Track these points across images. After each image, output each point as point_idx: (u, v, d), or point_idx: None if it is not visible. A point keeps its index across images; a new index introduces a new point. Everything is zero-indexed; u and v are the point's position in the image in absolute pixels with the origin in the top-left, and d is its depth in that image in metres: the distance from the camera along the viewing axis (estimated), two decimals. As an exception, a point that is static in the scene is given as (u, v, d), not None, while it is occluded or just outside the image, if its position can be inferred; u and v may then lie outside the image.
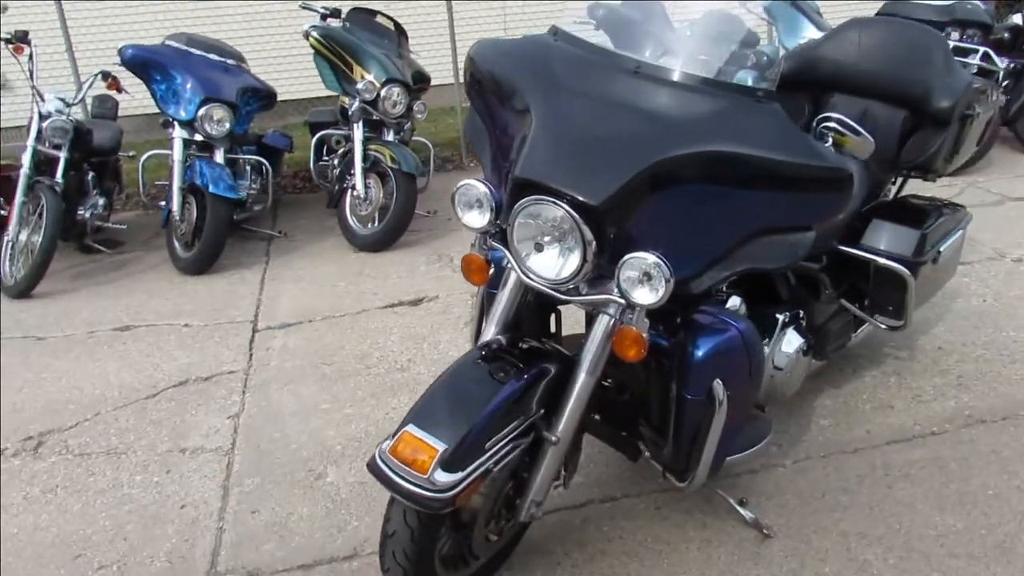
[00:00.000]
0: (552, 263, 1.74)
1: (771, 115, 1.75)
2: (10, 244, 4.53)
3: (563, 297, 1.81)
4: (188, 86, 4.62)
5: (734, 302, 2.14)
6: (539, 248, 1.75)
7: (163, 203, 4.77)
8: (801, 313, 2.45)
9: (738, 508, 2.24)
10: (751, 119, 1.74)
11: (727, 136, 1.70)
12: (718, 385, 1.84)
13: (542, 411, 1.84)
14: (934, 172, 2.72)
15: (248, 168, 5.19)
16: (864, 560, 2.08)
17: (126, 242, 5.34)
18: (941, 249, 2.65)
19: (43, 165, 4.68)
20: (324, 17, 5.03)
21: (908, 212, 2.71)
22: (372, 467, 1.69)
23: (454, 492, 1.61)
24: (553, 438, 1.84)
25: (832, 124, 1.91)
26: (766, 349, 2.31)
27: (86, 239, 5.15)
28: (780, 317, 2.37)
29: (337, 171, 5.15)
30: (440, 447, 1.63)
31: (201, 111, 4.59)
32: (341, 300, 4.05)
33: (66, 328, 3.97)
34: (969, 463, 2.44)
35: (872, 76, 2.72)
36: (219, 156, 4.74)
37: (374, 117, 4.90)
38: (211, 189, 4.45)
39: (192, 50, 4.78)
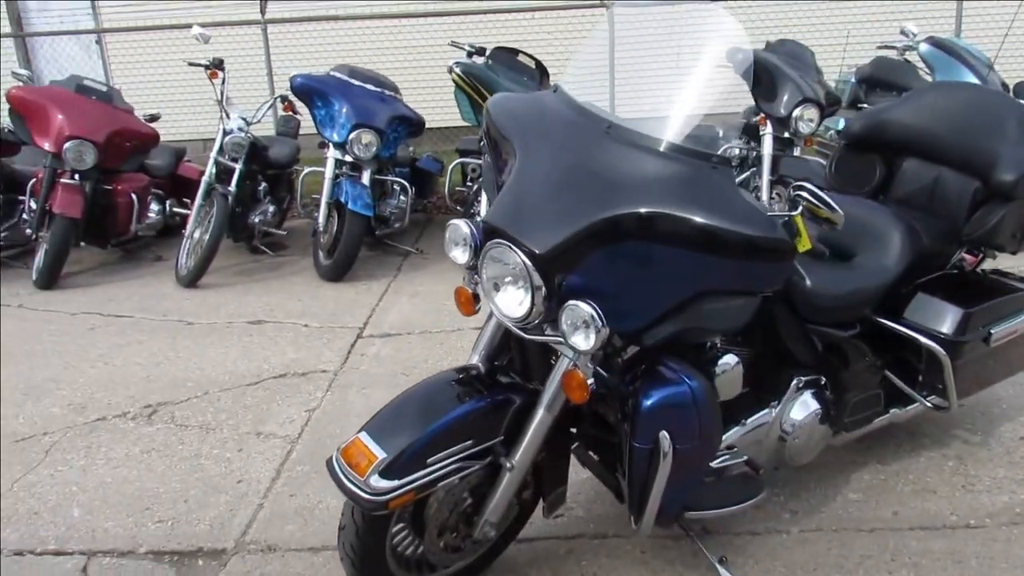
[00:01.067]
0: (511, 302, 1.89)
1: (719, 181, 1.80)
2: (188, 240, 5.28)
3: (525, 335, 1.95)
4: (343, 112, 5.16)
5: (728, 360, 2.18)
6: (498, 288, 1.91)
7: (316, 215, 5.35)
8: (823, 380, 2.41)
9: (717, 565, 2.24)
10: (699, 184, 1.80)
11: (672, 199, 1.77)
12: (664, 437, 1.90)
13: (501, 438, 1.99)
14: (999, 248, 2.55)
15: (395, 188, 5.68)
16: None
17: (289, 247, 6.03)
18: (994, 331, 2.48)
19: (223, 174, 5.42)
20: (470, 55, 5.41)
21: (963, 287, 2.56)
22: (328, 464, 1.93)
23: (386, 497, 1.81)
24: (508, 464, 1.99)
25: (804, 195, 1.91)
26: (772, 412, 2.32)
27: (254, 241, 5.88)
28: (794, 381, 2.35)
29: (472, 197, 5.51)
30: (380, 455, 1.84)
31: (352, 135, 5.11)
32: (442, 318, 4.35)
33: (212, 317, 4.58)
34: (992, 563, 2.26)
35: (941, 141, 2.61)
36: (365, 177, 5.24)
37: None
38: (349, 205, 4.95)
39: (352, 80, 5.32)
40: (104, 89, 5.71)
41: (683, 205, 1.76)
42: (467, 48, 5.40)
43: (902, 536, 2.40)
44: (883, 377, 2.52)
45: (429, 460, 1.87)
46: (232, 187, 5.32)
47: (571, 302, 1.78)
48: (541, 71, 5.55)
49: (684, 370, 1.95)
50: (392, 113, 5.32)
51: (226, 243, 5.55)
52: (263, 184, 5.79)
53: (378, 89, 5.42)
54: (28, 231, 5.42)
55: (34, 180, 5.47)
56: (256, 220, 5.73)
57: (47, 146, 5.27)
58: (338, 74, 5.36)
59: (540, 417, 1.97)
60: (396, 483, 1.82)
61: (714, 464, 2.25)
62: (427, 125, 5.60)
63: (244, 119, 5.48)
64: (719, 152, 2.45)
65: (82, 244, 5.52)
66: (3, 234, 5.61)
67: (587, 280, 1.81)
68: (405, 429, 1.89)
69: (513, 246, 1.82)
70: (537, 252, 1.78)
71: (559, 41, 7.95)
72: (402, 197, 5.77)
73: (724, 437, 2.27)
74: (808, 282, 2.31)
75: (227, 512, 2.67)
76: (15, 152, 5.74)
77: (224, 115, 5.46)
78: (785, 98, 5.02)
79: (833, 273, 2.42)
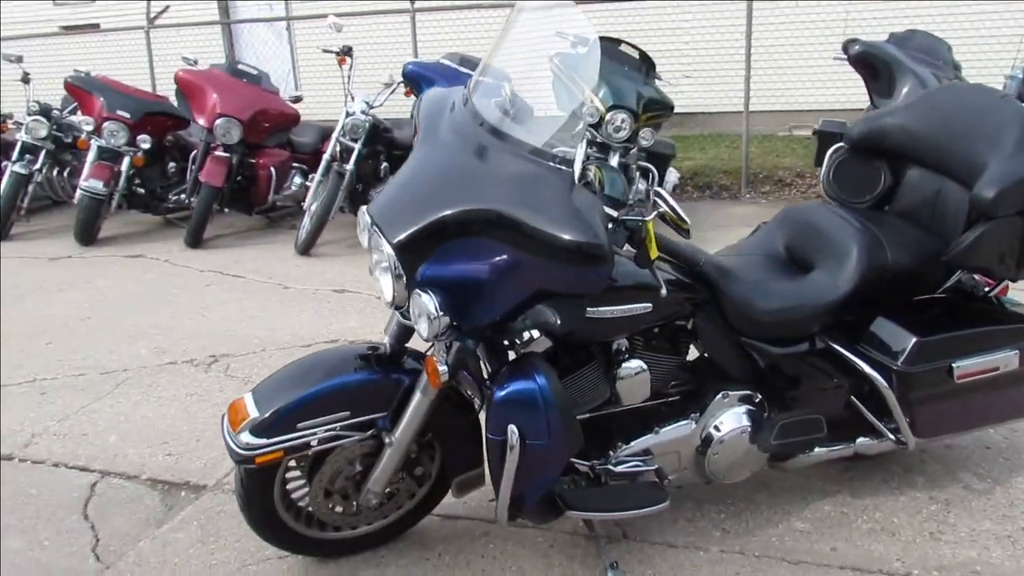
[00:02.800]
0: (384, 287, 2.01)
1: (554, 183, 1.80)
2: (308, 212, 5.80)
3: (404, 320, 2.06)
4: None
5: (633, 365, 2.17)
6: (373, 272, 2.03)
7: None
8: (758, 397, 2.30)
9: (608, 569, 2.23)
10: (536, 185, 1.81)
11: (506, 198, 1.80)
12: (512, 430, 1.93)
13: (385, 414, 2.12)
14: (984, 272, 2.27)
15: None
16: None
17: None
18: (958, 364, 2.22)
19: (346, 153, 5.87)
20: (573, 45, 5.42)
21: (938, 314, 2.30)
22: (223, 417, 2.15)
23: (252, 453, 2.01)
24: (387, 439, 2.12)
25: (657, 199, 1.84)
26: (693, 424, 2.26)
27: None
28: (720, 395, 2.27)
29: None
30: (253, 414, 2.04)
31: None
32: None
33: (306, 283, 5.03)
34: (909, 617, 2.07)
35: (942, 151, 2.37)
36: None
37: (598, 140, 5.19)
38: None
39: (460, 68, 5.54)
40: (255, 73, 6.38)
41: (514, 204, 1.79)
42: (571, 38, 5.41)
43: (824, 573, 2.23)
44: (833, 402, 2.34)
45: (300, 424, 2.04)
46: (350, 165, 5.75)
47: (416, 291, 1.87)
48: (646, 62, 5.44)
49: (538, 368, 1.96)
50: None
51: (351, 218, 6.03)
52: (385, 163, 6.18)
53: (485, 77, 5.59)
54: (183, 196, 6.22)
55: (195, 152, 6.26)
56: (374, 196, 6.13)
57: (202, 122, 6.01)
58: (447, 62, 5.60)
59: (416, 399, 2.08)
60: (264, 441, 2.01)
61: (620, 468, 2.24)
62: (534, 113, 5.70)
63: (367, 102, 5.89)
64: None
65: (226, 211, 6.24)
66: (174, 198, 6.46)
67: (436, 272, 1.88)
68: (283, 392, 2.07)
69: (381, 234, 1.94)
70: (392, 241, 1.88)
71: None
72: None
73: (637, 443, 2.26)
74: (741, 293, 2.22)
75: (220, 456, 3.00)
76: (186, 127, 6.56)
77: (349, 97, 5.90)
78: (903, 94, 4.61)
79: (776, 286, 2.29)
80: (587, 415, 2.24)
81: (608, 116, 5.09)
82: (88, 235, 6.16)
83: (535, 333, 2.00)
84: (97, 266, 5.69)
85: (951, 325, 2.27)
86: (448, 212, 1.85)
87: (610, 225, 1.86)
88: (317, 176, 5.76)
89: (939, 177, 2.40)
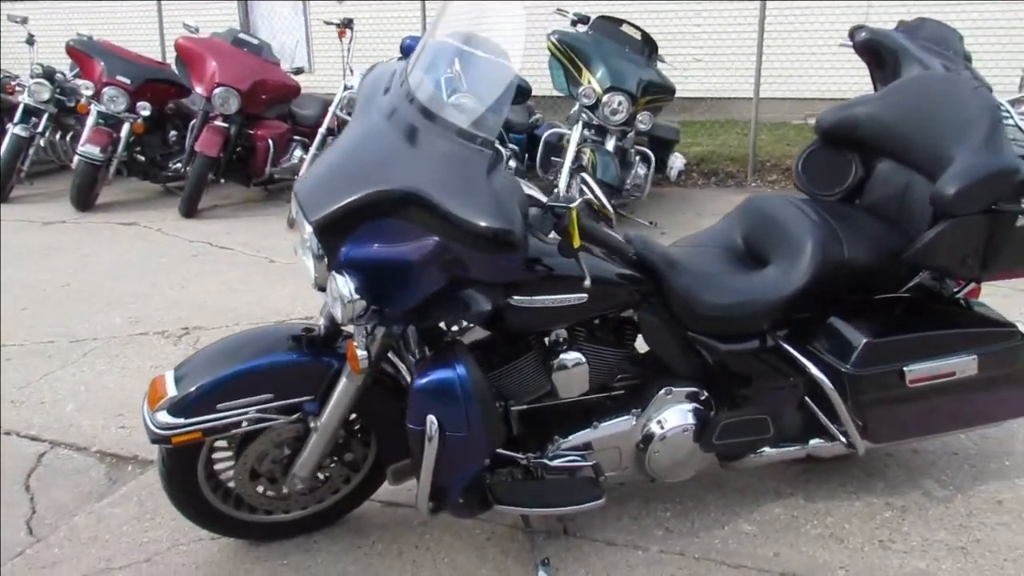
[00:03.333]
0: (308, 267, 1.94)
1: (474, 165, 1.72)
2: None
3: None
4: (443, 75, 5.29)
5: (570, 357, 2.10)
6: (297, 251, 1.96)
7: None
8: (704, 395, 2.22)
9: (538, 565, 2.16)
10: (456, 167, 1.73)
11: (430, 180, 1.72)
12: (431, 421, 1.87)
13: (311, 398, 2.06)
14: (944, 272, 2.16)
15: (506, 154, 5.76)
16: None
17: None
18: (909, 368, 2.11)
19: (342, 127, 5.79)
20: (574, 23, 5.30)
21: (895, 315, 2.19)
22: (144, 394, 2.10)
23: (169, 433, 1.96)
24: (312, 424, 2.07)
25: (584, 187, 1.75)
26: (634, 420, 2.19)
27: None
28: (662, 391, 2.19)
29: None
30: (171, 393, 1.99)
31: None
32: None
33: (293, 258, 4.97)
34: (843, 630, 1.98)
35: (910, 143, 2.26)
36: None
37: (595, 122, 5.08)
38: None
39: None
40: (256, 42, 6.31)
41: (431, 186, 1.71)
42: (571, 16, 5.29)
43: (764, 578, 2.16)
44: (782, 402, 2.25)
45: (220, 405, 1.98)
46: (344, 140, 5.67)
47: (333, 273, 1.80)
48: (648, 44, 5.30)
49: (458, 359, 1.89)
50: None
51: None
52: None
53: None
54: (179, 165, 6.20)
55: (194, 121, 6.21)
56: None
57: (200, 90, 5.96)
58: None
59: (342, 384, 2.01)
60: (181, 421, 1.96)
61: (556, 463, 2.17)
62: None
63: (364, 76, 5.80)
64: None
65: (223, 181, 6.21)
66: (173, 166, 6.43)
67: (356, 254, 1.81)
68: (205, 371, 2.02)
69: (303, 213, 1.87)
70: (311, 220, 1.81)
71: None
72: (511, 163, 5.85)
73: (575, 437, 2.19)
74: (686, 286, 2.13)
75: (175, 429, 2.97)
76: (188, 95, 6.52)
77: (349, 71, 5.83)
78: (907, 84, 4.43)
79: (725, 279, 2.20)
80: (524, 407, 2.17)
81: (605, 98, 4.99)
82: (85, 200, 6.15)
83: (466, 321, 1.93)
84: (90, 232, 5.68)
85: (906, 327, 2.16)
86: (366, 192, 1.77)
87: (532, 211, 1.77)
88: (312, 150, 5.72)
89: (908, 171, 2.29)
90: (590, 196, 1.79)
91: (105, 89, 6.07)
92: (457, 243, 1.73)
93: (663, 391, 2.19)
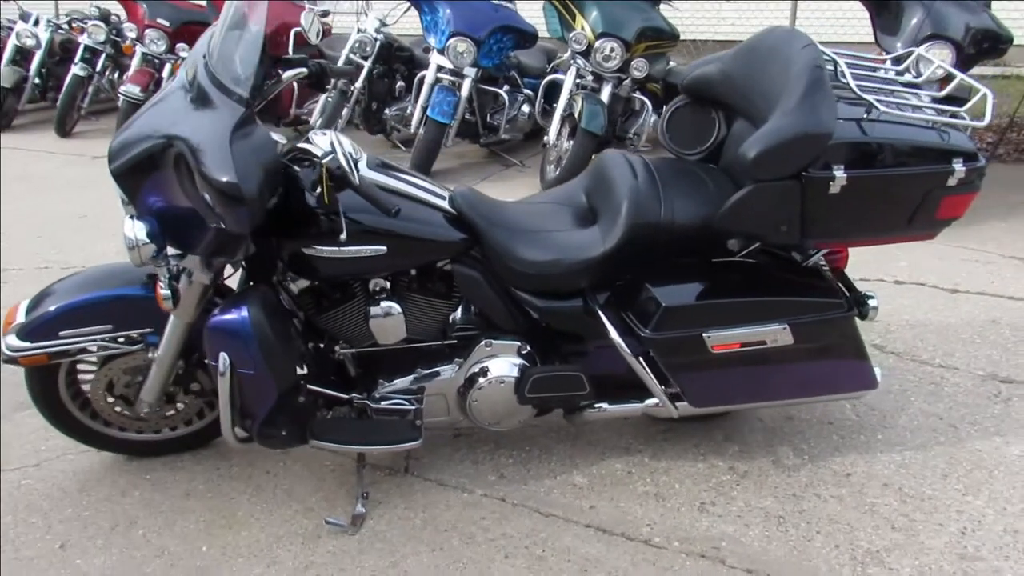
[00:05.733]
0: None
1: (225, 119, 1.81)
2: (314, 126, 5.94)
3: None
4: (445, 19, 5.31)
5: (384, 306, 2.20)
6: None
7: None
8: (526, 349, 2.28)
9: (359, 498, 2.30)
10: (211, 120, 1.83)
11: (189, 132, 1.83)
12: (223, 357, 2.02)
13: (151, 330, 2.25)
14: (756, 238, 2.11)
15: (516, 99, 5.79)
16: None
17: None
18: (709, 335, 2.09)
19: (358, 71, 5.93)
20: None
21: (710, 281, 2.16)
22: None
23: (16, 355, 2.19)
24: (150, 354, 2.26)
25: (335, 143, 1.81)
26: (454, 369, 2.27)
27: (391, 136, 6.38)
28: (482, 343, 2.26)
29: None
30: (20, 319, 2.21)
31: (449, 42, 5.28)
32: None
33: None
34: (616, 583, 2.03)
35: (745, 100, 2.20)
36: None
37: (589, 69, 5.01)
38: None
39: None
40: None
41: (188, 137, 1.81)
42: (571, -43, 5.16)
43: (565, 528, 2.22)
44: (601, 361, 2.26)
45: (61, 332, 2.19)
46: (358, 83, 5.82)
47: (126, 218, 1.95)
48: (653, -14, 5.13)
49: (251, 302, 2.01)
50: (497, 23, 5.34)
51: (363, 135, 6.16)
52: (401, 83, 6.21)
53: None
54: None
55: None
56: (391, 114, 6.17)
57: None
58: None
59: (170, 321, 2.18)
60: (27, 345, 2.19)
61: (382, 404, 2.29)
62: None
63: (381, 20, 5.90)
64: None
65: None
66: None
67: (145, 202, 1.96)
68: (54, 301, 2.23)
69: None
70: (111, 170, 1.97)
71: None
72: (524, 108, 5.86)
73: (398, 381, 2.31)
74: (502, 242, 2.18)
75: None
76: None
77: (364, 15, 5.93)
78: (906, 32, 4.18)
79: (544, 236, 2.22)
80: (358, 351, 2.29)
81: (597, 44, 4.90)
82: (128, 138, 6.57)
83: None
84: (127, 168, 6.08)
85: (715, 293, 2.12)
86: (146, 144, 1.90)
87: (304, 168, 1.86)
88: (324, 94, 5.87)
89: (753, 130, 2.21)
90: (337, 154, 1.86)
91: (147, 31, 6.42)
92: (205, 192, 1.83)
93: (483, 343, 2.26)
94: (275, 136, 2.09)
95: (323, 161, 1.86)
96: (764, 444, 2.55)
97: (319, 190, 1.90)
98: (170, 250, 2.03)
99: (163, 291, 2.03)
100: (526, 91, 5.97)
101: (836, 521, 2.21)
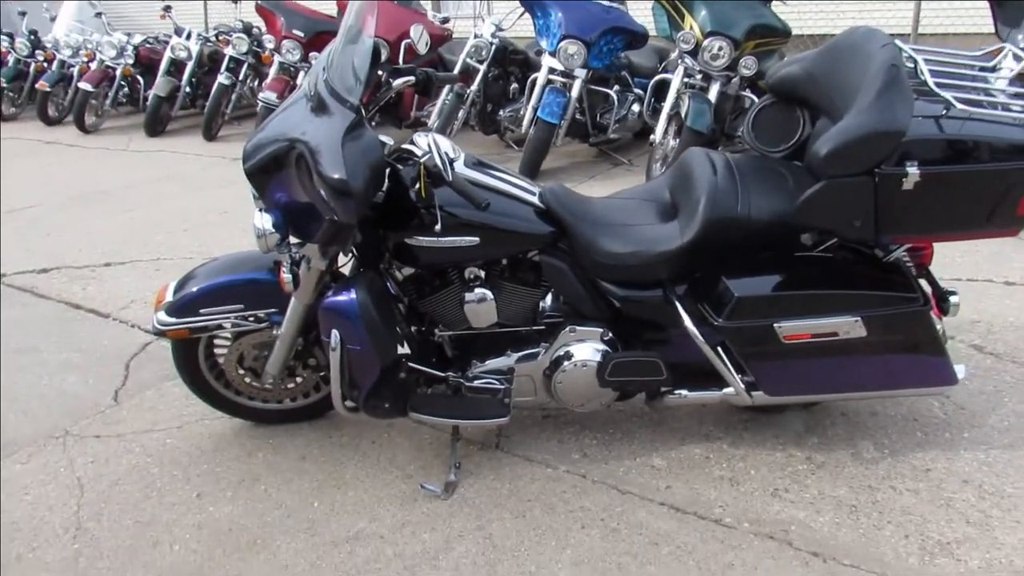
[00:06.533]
0: None
1: (337, 122, 2.05)
2: (432, 127, 6.27)
3: None
4: (556, 22, 5.51)
5: (477, 293, 2.42)
6: None
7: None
8: (608, 335, 2.44)
9: (452, 468, 2.53)
10: (325, 124, 2.07)
11: (307, 135, 2.09)
12: (335, 334, 2.28)
13: (276, 310, 2.56)
14: (829, 232, 2.18)
15: (626, 98, 5.92)
16: (474, 553, 2.23)
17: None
18: (780, 324, 2.17)
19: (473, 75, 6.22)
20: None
21: (788, 273, 2.23)
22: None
23: (164, 328, 2.54)
24: (274, 331, 2.57)
25: (432, 143, 2.03)
26: (542, 352, 2.47)
27: (505, 136, 6.63)
28: (567, 328, 2.44)
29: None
30: (168, 298, 2.56)
31: (560, 44, 5.47)
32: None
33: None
34: (680, 561, 2.16)
35: (828, 100, 2.28)
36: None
37: (697, 68, 5.07)
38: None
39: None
40: (405, -5, 6.85)
41: (305, 139, 2.07)
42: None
43: (641, 505, 2.35)
44: (677, 348, 2.38)
45: (201, 310, 2.53)
46: (473, 86, 6.10)
47: (256, 211, 2.25)
48: (761, -11, 5.12)
49: (359, 286, 2.26)
50: (608, 25, 5.49)
51: (478, 136, 6.45)
52: (515, 85, 6.46)
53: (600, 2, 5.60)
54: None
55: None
56: (505, 115, 6.42)
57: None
58: (566, -13, 5.66)
59: (292, 303, 2.48)
60: (173, 320, 2.54)
61: (474, 383, 2.51)
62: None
63: (496, 25, 6.16)
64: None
65: (374, 124, 6.88)
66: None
67: (273, 196, 2.25)
68: (194, 283, 2.57)
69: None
70: (244, 169, 2.27)
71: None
72: (635, 107, 5.98)
73: (491, 362, 2.52)
74: (586, 235, 2.35)
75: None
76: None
77: (481, 20, 6.21)
78: (1030, 24, 4.06)
79: (628, 230, 2.36)
80: (455, 333, 2.52)
81: (705, 43, 4.97)
82: (265, 140, 7.13)
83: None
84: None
85: (788, 285, 2.20)
86: (273, 147, 2.18)
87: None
88: (442, 96, 6.18)
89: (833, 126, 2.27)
90: (433, 154, 2.07)
91: (284, 42, 6.95)
92: (320, 188, 2.08)
93: (568, 329, 2.43)
94: (383, 138, 2.34)
95: (421, 160, 2.08)
96: (845, 437, 2.59)
97: (417, 186, 2.13)
98: (292, 240, 2.31)
99: (285, 275, 2.32)
100: (636, 91, 6.09)
101: (909, 513, 2.25)
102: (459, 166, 2.30)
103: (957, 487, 2.34)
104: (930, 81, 2.10)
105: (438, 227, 2.19)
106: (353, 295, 2.25)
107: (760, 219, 2.23)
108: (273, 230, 2.22)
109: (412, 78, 2.54)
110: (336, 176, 2.00)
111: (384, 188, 2.31)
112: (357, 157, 2.04)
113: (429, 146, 2.12)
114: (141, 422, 2.96)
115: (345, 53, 2.25)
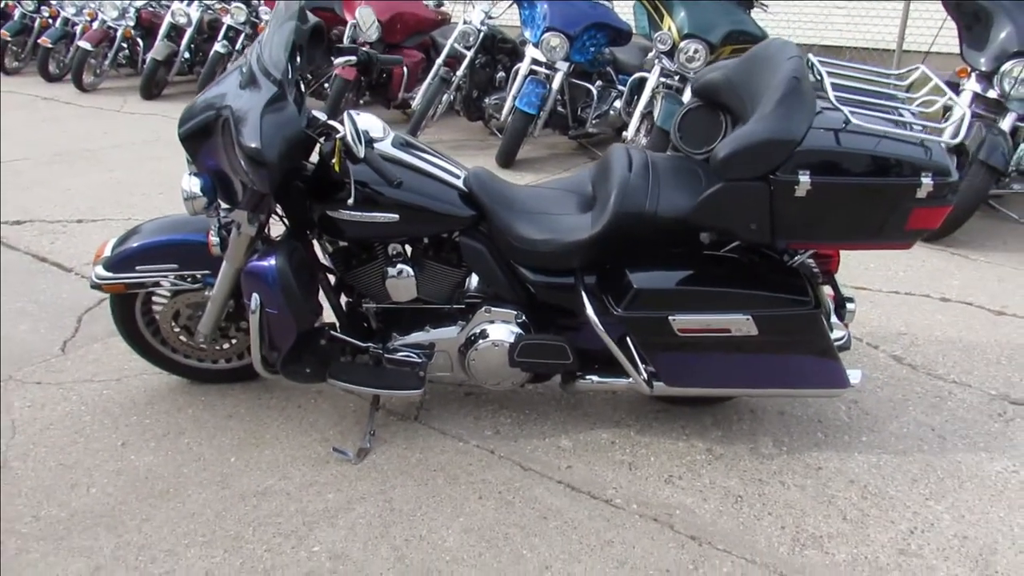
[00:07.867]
0: None
1: (261, 93, 2.14)
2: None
3: None
4: (541, 14, 5.58)
5: (398, 268, 2.52)
6: None
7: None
8: (522, 317, 2.53)
9: (367, 434, 2.63)
10: (250, 95, 2.16)
11: (235, 104, 2.18)
12: (255, 297, 2.38)
13: (209, 272, 2.66)
14: (727, 233, 2.28)
15: (607, 94, 6.00)
16: (369, 527, 2.34)
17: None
18: (674, 317, 2.26)
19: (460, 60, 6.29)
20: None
21: (683, 268, 2.33)
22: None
23: (100, 282, 2.64)
24: (207, 292, 2.67)
25: (347, 119, 2.12)
26: (457, 330, 2.57)
27: (490, 123, 6.70)
28: (482, 308, 2.54)
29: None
30: (107, 253, 2.66)
31: (543, 36, 5.54)
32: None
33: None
34: (564, 535, 2.26)
35: (740, 106, 2.35)
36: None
37: (673, 68, 5.15)
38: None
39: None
40: (400, -22, 6.92)
41: (233, 108, 2.17)
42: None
43: (539, 482, 2.46)
44: (585, 335, 2.47)
45: (137, 267, 2.63)
46: (459, 72, 6.18)
47: (184, 175, 2.35)
48: (742, -8, 5.19)
49: (278, 252, 2.36)
50: (591, 20, 5.56)
51: (462, 121, 6.52)
52: (501, 73, 6.53)
53: (586, -3, 5.67)
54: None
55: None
56: (490, 103, 6.49)
57: (348, 19, 6.71)
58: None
59: (223, 266, 2.57)
60: (110, 275, 2.64)
61: (394, 355, 2.61)
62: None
63: (485, 12, 6.23)
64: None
65: (362, 102, 6.98)
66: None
67: (201, 161, 2.35)
68: (134, 240, 2.67)
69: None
70: (179, 134, 2.36)
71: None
72: (616, 103, 6.05)
73: (410, 336, 2.62)
74: (504, 220, 2.44)
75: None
76: (344, 23, 7.31)
77: (471, 6, 6.28)
78: (994, 47, 4.13)
79: (543, 218, 2.45)
80: (380, 307, 2.62)
81: (681, 44, 5.04)
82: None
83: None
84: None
85: (687, 281, 2.29)
86: (205, 114, 2.28)
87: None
88: (427, 80, 6.26)
89: (748, 135, 2.36)
90: (347, 131, 2.16)
91: (279, 14, 7.01)
92: (240, 156, 2.17)
93: (484, 309, 2.53)
94: (317, 113, 2.42)
95: (337, 136, 2.18)
96: (748, 432, 2.69)
97: (333, 160, 2.23)
98: (223, 205, 2.41)
99: (213, 239, 2.42)
100: (620, 87, 6.15)
101: (791, 506, 2.35)
102: (384, 145, 2.39)
103: (843, 486, 2.44)
104: (831, 95, 2.18)
105: (350, 201, 2.28)
106: (272, 261, 2.35)
107: (665, 216, 2.31)
108: (200, 194, 2.31)
109: (353, 58, 2.62)
110: (252, 145, 2.09)
111: (315, 161, 2.40)
112: (274, 129, 2.13)
113: (345, 122, 2.21)
114: (82, 372, 3.07)
115: (282, 31, 2.33)
